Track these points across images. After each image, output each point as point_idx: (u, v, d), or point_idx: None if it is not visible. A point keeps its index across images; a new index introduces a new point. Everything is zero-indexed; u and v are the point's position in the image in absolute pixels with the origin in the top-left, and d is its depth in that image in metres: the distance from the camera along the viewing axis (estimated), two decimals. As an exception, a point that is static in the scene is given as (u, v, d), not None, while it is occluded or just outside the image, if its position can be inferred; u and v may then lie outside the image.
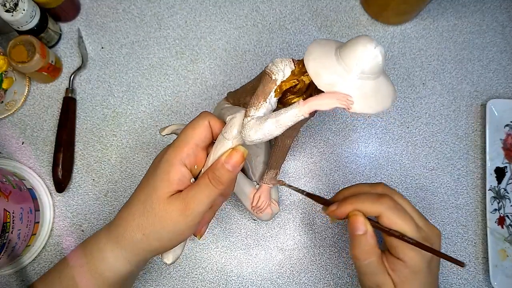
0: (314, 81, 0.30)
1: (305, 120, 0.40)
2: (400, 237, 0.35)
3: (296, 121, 0.30)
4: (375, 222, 0.37)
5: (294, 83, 0.33)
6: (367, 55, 0.29)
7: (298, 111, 0.30)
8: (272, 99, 0.33)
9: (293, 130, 0.41)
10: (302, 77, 0.33)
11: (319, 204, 0.42)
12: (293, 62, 0.34)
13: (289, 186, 0.43)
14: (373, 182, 0.42)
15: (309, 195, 0.41)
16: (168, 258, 0.38)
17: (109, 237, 0.35)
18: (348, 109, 0.29)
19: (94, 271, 0.35)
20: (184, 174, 0.34)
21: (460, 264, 0.34)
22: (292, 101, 0.34)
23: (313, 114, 0.38)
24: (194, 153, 0.34)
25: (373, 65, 0.29)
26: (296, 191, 0.42)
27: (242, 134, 0.32)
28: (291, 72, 0.33)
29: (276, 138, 0.42)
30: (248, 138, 0.32)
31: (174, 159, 0.34)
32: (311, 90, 0.34)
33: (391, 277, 0.36)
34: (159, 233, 0.34)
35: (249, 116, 0.33)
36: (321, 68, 0.30)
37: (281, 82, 0.33)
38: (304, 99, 0.30)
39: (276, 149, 0.43)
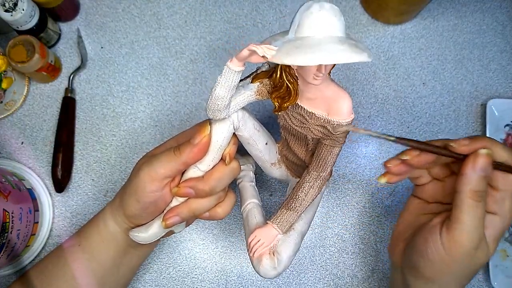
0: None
1: (339, 144, 0.38)
2: None
3: (230, 77, 0.30)
4: (498, 163, 0.33)
5: (270, 72, 0.34)
6: (304, 9, 0.29)
7: (226, 65, 0.30)
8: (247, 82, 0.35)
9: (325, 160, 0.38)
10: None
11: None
12: None
13: (370, 132, 0.36)
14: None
15: (400, 139, 0.36)
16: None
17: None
18: (263, 56, 0.28)
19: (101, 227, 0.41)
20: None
21: None
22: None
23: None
24: None
25: (310, 18, 0.28)
26: (383, 138, 0.36)
27: None
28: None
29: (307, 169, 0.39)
30: (207, 107, 0.33)
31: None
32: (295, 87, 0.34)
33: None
34: (125, 185, 0.39)
35: None
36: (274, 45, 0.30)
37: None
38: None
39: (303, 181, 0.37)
